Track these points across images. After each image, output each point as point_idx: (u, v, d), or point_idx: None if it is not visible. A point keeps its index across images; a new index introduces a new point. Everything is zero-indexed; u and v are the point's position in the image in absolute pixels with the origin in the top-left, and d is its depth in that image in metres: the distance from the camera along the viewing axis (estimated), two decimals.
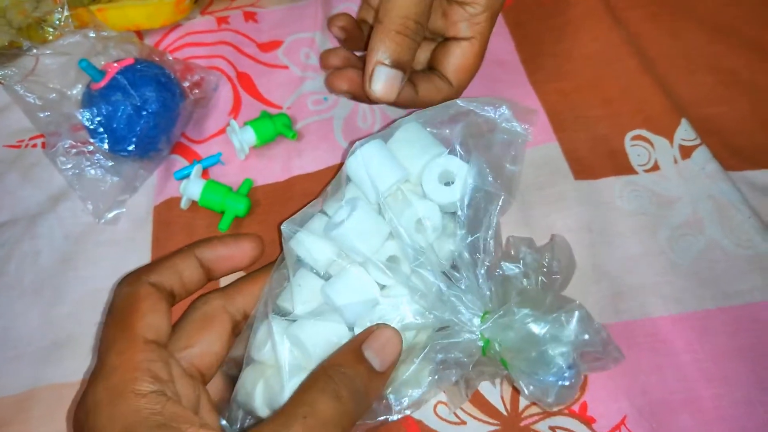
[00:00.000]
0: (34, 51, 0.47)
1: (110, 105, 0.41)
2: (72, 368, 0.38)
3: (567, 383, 0.30)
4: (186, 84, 0.45)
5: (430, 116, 0.35)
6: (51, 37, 0.47)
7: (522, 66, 0.48)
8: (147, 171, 0.44)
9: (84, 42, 0.48)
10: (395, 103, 0.39)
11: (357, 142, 0.33)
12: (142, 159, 0.43)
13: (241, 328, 0.33)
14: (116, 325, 0.28)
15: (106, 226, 0.42)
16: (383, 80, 0.36)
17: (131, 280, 0.30)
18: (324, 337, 0.31)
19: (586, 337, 0.30)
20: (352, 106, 0.46)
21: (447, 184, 0.33)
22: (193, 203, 0.42)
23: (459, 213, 0.32)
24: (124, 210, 0.43)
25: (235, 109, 0.47)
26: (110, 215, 0.42)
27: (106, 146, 0.41)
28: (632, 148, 0.43)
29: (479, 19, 0.39)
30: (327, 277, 0.33)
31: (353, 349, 0.29)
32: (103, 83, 0.41)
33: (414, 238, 0.32)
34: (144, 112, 0.41)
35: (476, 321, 0.31)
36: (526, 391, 0.30)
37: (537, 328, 0.30)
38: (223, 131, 0.46)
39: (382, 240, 0.32)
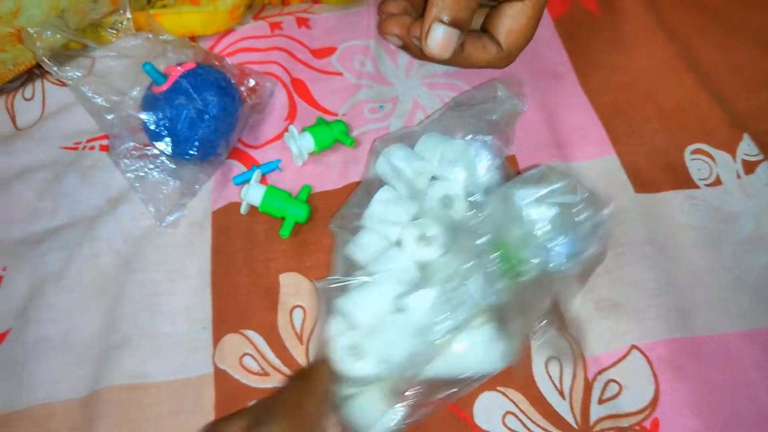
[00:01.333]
0: (95, 53, 0.48)
1: (173, 108, 0.41)
2: (132, 370, 0.38)
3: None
4: (243, 89, 0.45)
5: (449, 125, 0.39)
6: (113, 39, 0.47)
7: (576, 77, 0.48)
8: (206, 175, 0.44)
9: (143, 45, 0.48)
10: (444, 61, 0.38)
11: (377, 141, 0.36)
12: (202, 163, 0.43)
13: None
14: None
15: (164, 230, 0.42)
16: (440, 37, 0.37)
17: None
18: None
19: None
20: (408, 115, 0.46)
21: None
22: (253, 209, 0.42)
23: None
24: (185, 213, 0.43)
25: (291, 115, 0.47)
26: (171, 218, 0.42)
27: (168, 149, 0.41)
28: (692, 162, 0.43)
29: None
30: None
31: None
32: (165, 86, 0.41)
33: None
34: (206, 116, 0.41)
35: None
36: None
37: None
38: (279, 137, 0.46)
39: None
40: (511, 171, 0.40)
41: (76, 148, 0.46)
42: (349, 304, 0.35)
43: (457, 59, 0.40)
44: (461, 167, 0.38)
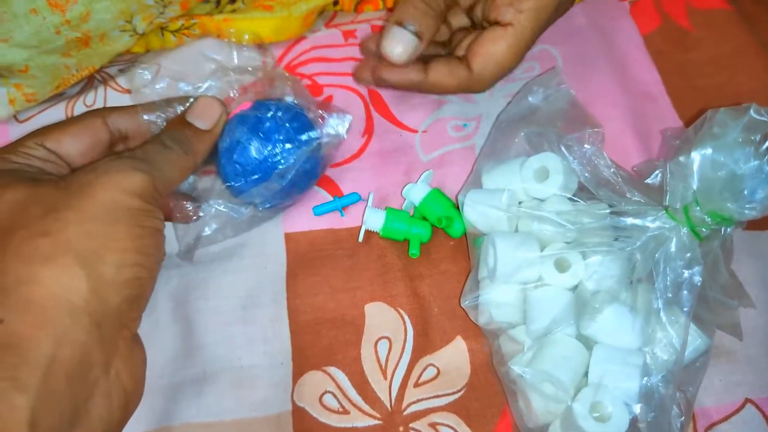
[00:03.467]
0: (159, 59, 0.45)
1: (241, 161, 0.37)
2: (208, 406, 0.36)
3: None
4: (321, 130, 0.40)
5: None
6: (188, 40, 0.44)
7: (669, 100, 0.45)
8: (266, 218, 0.41)
9: (210, 51, 0.46)
10: (402, 85, 0.39)
11: (459, 196, 0.37)
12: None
13: (118, 148, 0.35)
14: None
15: (234, 252, 0.40)
16: (396, 40, 0.37)
17: None
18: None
19: None
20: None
21: (542, 179, 0.35)
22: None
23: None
24: (255, 237, 0.40)
25: (368, 130, 0.44)
26: (239, 241, 0.40)
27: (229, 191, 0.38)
28: None
29: (524, 6, 0.36)
30: None
31: (179, 119, 0.35)
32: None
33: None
34: (278, 168, 0.37)
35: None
36: None
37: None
38: (357, 155, 0.43)
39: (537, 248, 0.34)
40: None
41: None
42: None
43: (424, 85, 0.39)
44: (554, 175, 0.35)
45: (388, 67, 0.39)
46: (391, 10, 0.50)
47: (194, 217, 0.39)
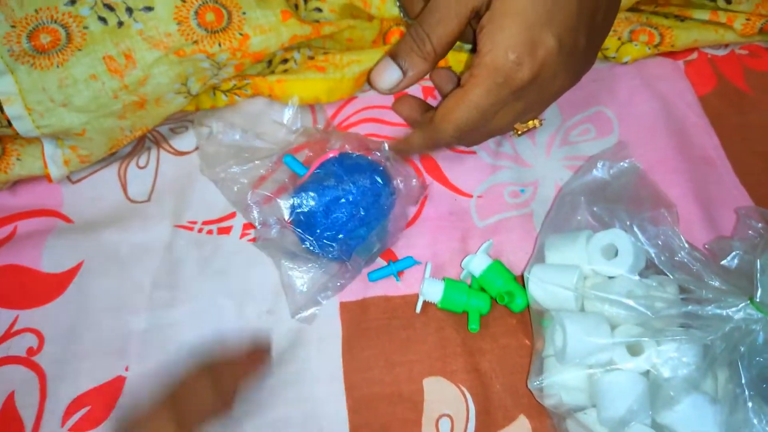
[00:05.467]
0: (211, 121, 0.45)
1: (318, 202, 0.38)
2: None
3: None
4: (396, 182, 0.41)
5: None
6: (239, 99, 0.45)
7: (730, 165, 0.44)
8: (355, 270, 0.40)
9: (261, 112, 0.46)
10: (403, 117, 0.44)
11: (524, 273, 0.37)
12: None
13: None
14: None
15: (295, 327, 0.39)
16: (382, 70, 0.39)
17: None
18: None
19: None
20: (550, 200, 0.43)
21: (610, 256, 0.35)
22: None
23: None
24: (319, 308, 0.39)
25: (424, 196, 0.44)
26: (306, 314, 0.39)
27: (313, 247, 0.38)
28: None
29: (475, 71, 0.36)
30: None
31: None
32: (306, 177, 0.38)
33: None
34: (353, 208, 0.38)
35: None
36: None
37: None
38: (412, 222, 0.42)
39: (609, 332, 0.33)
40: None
41: (191, 228, 0.43)
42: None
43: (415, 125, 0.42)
44: (624, 255, 0.34)
45: (400, 99, 0.43)
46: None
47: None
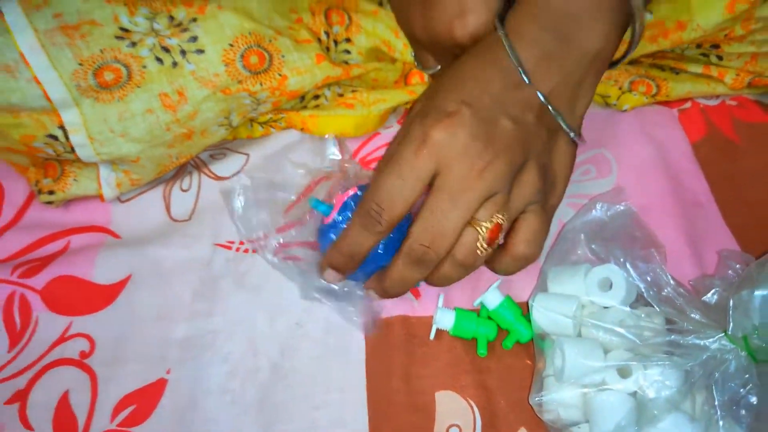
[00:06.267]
0: (249, 150, 0.50)
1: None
2: None
3: None
4: None
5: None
6: (274, 131, 0.50)
7: (718, 209, 0.48)
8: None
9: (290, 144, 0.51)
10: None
11: (529, 301, 0.41)
12: None
13: None
14: None
15: (318, 340, 0.44)
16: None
17: None
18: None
19: None
20: (554, 235, 0.47)
21: (605, 288, 0.40)
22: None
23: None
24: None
25: None
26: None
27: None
28: None
29: None
30: None
31: None
32: (331, 217, 0.42)
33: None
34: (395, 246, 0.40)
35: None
36: None
37: None
38: None
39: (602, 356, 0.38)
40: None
41: (229, 248, 0.47)
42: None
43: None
44: (617, 288, 0.39)
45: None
46: None
47: None
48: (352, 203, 0.41)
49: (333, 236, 0.41)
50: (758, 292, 0.33)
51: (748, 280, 0.34)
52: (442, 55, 0.47)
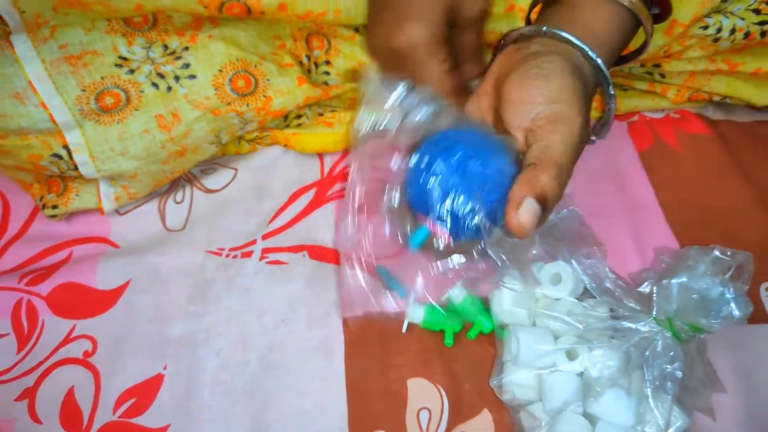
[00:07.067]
0: (233, 162, 0.55)
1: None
2: None
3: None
4: None
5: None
6: (260, 147, 0.55)
7: (661, 211, 0.54)
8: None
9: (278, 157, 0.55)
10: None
11: (489, 295, 0.46)
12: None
13: None
14: None
15: (303, 335, 0.48)
16: (526, 212, 0.37)
17: None
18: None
19: None
20: None
21: (556, 283, 0.44)
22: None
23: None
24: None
25: None
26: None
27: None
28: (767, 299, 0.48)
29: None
30: None
31: None
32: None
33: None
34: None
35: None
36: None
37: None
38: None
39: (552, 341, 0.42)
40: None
41: (219, 254, 0.52)
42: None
43: None
44: (566, 282, 0.44)
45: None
46: None
47: None
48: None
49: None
50: (675, 281, 0.38)
51: (669, 270, 0.39)
52: (386, 63, 0.49)
